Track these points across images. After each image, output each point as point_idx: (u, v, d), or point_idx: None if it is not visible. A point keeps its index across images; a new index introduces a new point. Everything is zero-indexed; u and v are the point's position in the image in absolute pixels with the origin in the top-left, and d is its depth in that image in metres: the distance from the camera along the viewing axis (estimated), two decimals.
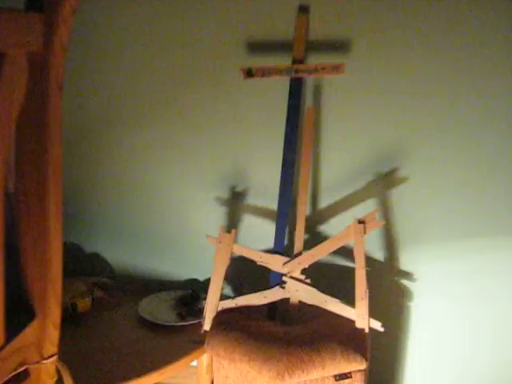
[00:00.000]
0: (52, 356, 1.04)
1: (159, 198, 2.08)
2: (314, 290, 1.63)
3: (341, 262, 1.89)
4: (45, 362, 1.02)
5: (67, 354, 1.58)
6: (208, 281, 1.70)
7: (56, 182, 0.92)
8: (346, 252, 1.71)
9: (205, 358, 1.73)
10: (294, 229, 1.72)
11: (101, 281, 1.98)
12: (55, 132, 0.90)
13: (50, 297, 1.00)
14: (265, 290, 1.69)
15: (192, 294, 1.94)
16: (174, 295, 1.97)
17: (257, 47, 1.85)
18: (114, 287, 2.00)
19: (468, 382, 1.88)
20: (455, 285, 1.82)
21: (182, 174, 2.03)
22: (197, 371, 1.79)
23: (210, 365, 1.69)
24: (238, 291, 2.00)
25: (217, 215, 2.01)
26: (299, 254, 1.69)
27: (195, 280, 2.07)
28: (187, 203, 2.05)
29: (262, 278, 1.75)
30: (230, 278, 1.98)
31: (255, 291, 1.70)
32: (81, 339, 1.72)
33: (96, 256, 2.18)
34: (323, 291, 1.63)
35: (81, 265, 2.18)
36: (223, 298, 1.72)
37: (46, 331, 1.01)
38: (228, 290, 2.01)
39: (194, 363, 1.74)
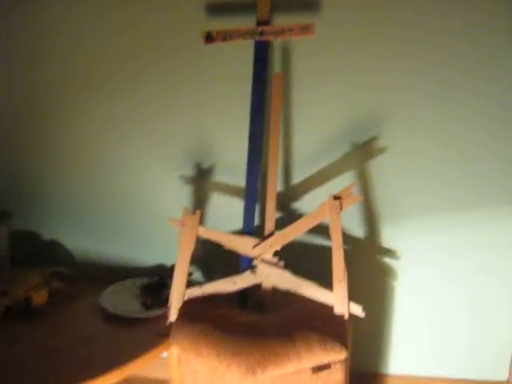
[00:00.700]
0: None
1: (121, 179, 1.94)
2: (287, 273, 1.51)
3: (317, 240, 1.78)
4: None
5: (21, 353, 1.48)
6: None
7: None
8: (322, 230, 1.58)
9: (174, 350, 1.60)
10: None
11: (59, 270, 1.83)
12: None
13: None
14: (235, 275, 1.55)
15: (159, 281, 1.81)
16: (139, 283, 1.84)
17: (217, 9, 1.71)
18: (74, 277, 1.86)
19: (453, 355, 1.84)
20: (439, 258, 1.76)
21: (144, 152, 1.89)
22: (167, 363, 1.66)
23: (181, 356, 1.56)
24: (209, 276, 1.88)
25: (182, 195, 1.88)
26: (270, 234, 1.56)
27: (162, 265, 1.93)
28: (150, 183, 1.92)
29: (235, 260, 1.63)
30: (198, 262, 1.85)
31: (227, 275, 1.57)
32: (37, 336, 1.58)
33: (55, 243, 2.05)
34: (298, 274, 1.51)
35: (38, 254, 2.05)
36: (192, 284, 1.59)
37: None
38: (198, 275, 1.88)
39: (165, 354, 1.61)
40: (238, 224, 1.68)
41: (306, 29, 1.52)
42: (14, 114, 1.97)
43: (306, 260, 1.72)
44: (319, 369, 1.36)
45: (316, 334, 1.37)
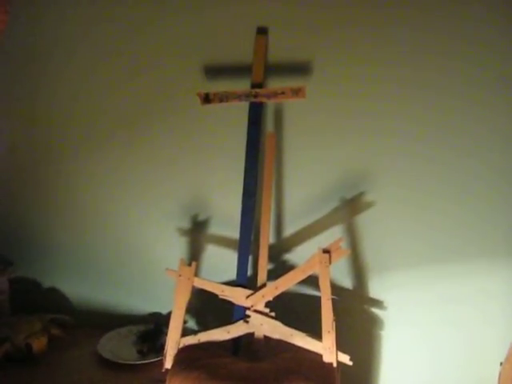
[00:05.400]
0: None
1: (119, 230, 2.01)
2: (278, 323, 1.57)
3: (308, 290, 1.82)
4: None
5: None
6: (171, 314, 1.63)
7: None
8: (313, 280, 1.64)
9: None
10: None
11: (58, 317, 1.88)
12: None
13: None
14: (228, 324, 1.61)
15: (154, 328, 1.86)
16: (135, 330, 1.89)
17: (215, 72, 1.80)
18: (72, 324, 1.91)
19: None
20: (425, 313, 1.78)
21: (143, 205, 1.97)
22: None
23: None
24: (203, 324, 1.93)
25: (179, 246, 1.94)
26: (263, 285, 1.62)
27: (158, 313, 1.99)
28: (148, 234, 1.98)
29: (229, 309, 1.67)
30: (193, 311, 1.90)
31: (221, 323, 1.62)
32: (36, 382, 1.62)
33: (54, 291, 2.10)
34: (289, 323, 1.56)
35: (38, 301, 2.09)
36: (187, 332, 1.64)
37: None
38: (192, 323, 1.93)
39: None
40: (232, 273, 1.73)
41: (297, 92, 1.61)
42: (17, 167, 2.06)
43: (298, 308, 1.78)
44: None
45: (306, 382, 1.42)
